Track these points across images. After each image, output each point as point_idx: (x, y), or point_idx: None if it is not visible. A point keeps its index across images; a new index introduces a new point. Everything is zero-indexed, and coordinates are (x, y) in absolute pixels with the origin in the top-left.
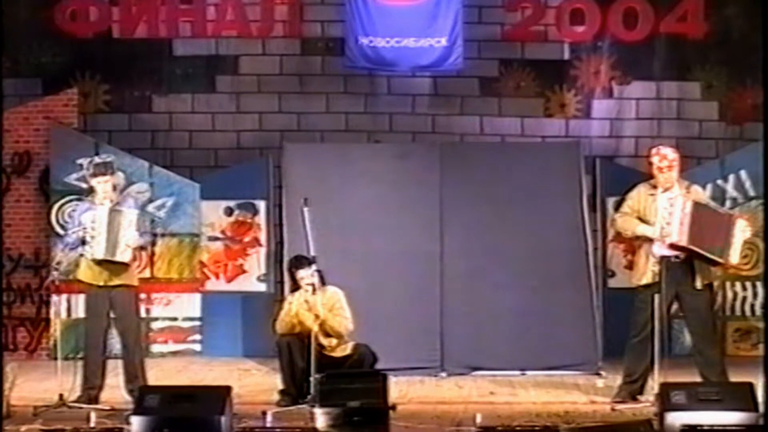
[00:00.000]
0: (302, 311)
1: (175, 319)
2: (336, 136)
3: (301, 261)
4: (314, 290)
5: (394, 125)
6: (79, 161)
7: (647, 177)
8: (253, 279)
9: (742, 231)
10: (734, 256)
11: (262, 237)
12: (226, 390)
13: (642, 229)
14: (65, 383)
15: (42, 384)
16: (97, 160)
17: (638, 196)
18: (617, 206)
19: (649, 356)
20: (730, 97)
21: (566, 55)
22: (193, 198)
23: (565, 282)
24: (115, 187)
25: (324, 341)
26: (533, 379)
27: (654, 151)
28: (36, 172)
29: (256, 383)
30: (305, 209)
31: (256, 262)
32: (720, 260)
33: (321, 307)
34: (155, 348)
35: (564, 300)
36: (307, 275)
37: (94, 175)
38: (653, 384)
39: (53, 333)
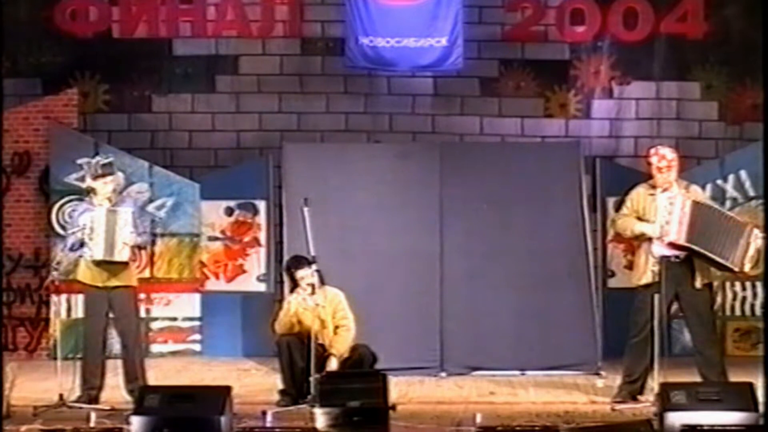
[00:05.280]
0: (301, 311)
1: (174, 319)
2: (336, 136)
3: (299, 261)
4: (313, 290)
5: (394, 125)
6: (79, 161)
7: (647, 177)
8: (253, 279)
9: (755, 240)
10: (747, 265)
11: (262, 237)
12: (226, 390)
13: (641, 227)
14: (65, 383)
15: (42, 384)
16: (97, 161)
17: (637, 196)
18: (617, 206)
19: (649, 356)
20: (730, 97)
21: (566, 55)
22: (193, 198)
23: (565, 282)
24: (115, 188)
25: (325, 340)
26: (533, 379)
27: (653, 151)
28: (36, 172)
29: (256, 383)
30: (305, 209)
31: (256, 262)
32: (734, 268)
33: (323, 312)
34: (155, 348)
35: (564, 300)
36: (306, 275)
37: (95, 176)
38: (653, 384)
39: (53, 333)
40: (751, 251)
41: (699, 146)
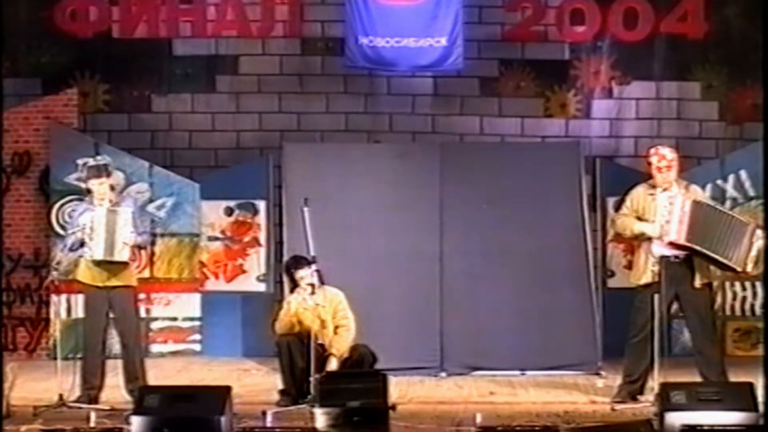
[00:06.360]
0: (301, 311)
1: (174, 319)
2: (336, 136)
3: (299, 261)
4: (313, 290)
5: (394, 125)
6: (79, 161)
7: (647, 177)
8: (252, 279)
9: (758, 239)
10: (750, 265)
11: (262, 237)
12: (226, 390)
13: (640, 227)
14: (65, 383)
15: (42, 384)
16: (91, 162)
17: (637, 196)
18: (617, 206)
19: (649, 356)
20: (730, 97)
21: (566, 55)
22: (193, 198)
23: (565, 282)
24: (113, 188)
25: (325, 340)
26: (533, 379)
27: (652, 151)
28: (36, 172)
29: (256, 383)
30: (305, 209)
31: (256, 262)
32: (737, 267)
33: (323, 312)
34: (155, 348)
35: (564, 300)
36: (306, 275)
37: (90, 177)
38: (653, 384)
39: (53, 333)
40: (754, 251)
41: (699, 146)
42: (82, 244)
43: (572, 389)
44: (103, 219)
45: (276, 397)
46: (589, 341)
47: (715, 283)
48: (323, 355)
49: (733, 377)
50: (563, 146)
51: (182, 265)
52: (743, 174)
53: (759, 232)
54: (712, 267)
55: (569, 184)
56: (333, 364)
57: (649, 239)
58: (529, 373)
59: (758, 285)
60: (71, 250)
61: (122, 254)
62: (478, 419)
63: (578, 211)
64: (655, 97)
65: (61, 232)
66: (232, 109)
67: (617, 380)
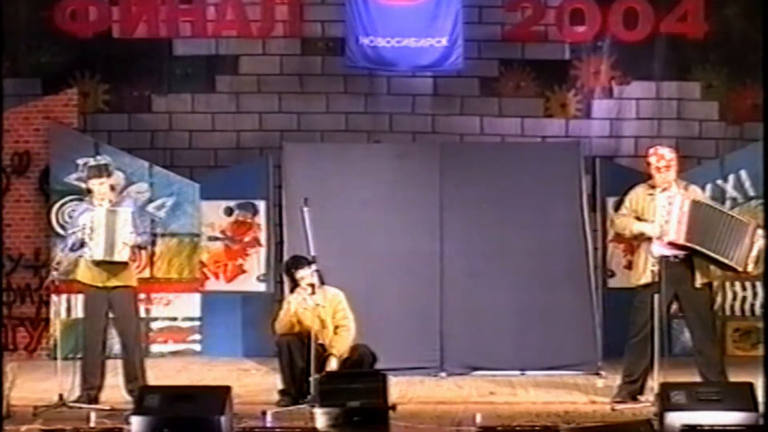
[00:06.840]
0: (301, 311)
1: (174, 319)
2: (336, 136)
3: (299, 261)
4: (313, 290)
5: (394, 125)
6: (79, 161)
7: (647, 177)
8: (253, 279)
9: (759, 239)
10: (750, 265)
11: (262, 237)
12: (226, 390)
13: (639, 227)
14: (65, 383)
15: (42, 384)
16: (91, 162)
17: (636, 196)
18: (617, 206)
19: (649, 356)
20: (730, 97)
21: (566, 55)
22: (193, 198)
23: (565, 282)
24: (113, 188)
25: (325, 340)
26: (533, 379)
27: (652, 151)
28: (36, 172)
29: (256, 383)
30: (305, 209)
31: (256, 262)
32: (737, 267)
33: (323, 312)
34: (155, 348)
35: (564, 300)
36: (306, 275)
37: (90, 177)
38: (653, 384)
39: (53, 333)
40: (755, 251)
41: (699, 146)
42: (82, 244)
43: (572, 389)
44: (103, 219)
45: (276, 397)
46: (589, 341)
47: (715, 283)
48: (323, 355)
49: (733, 377)
50: (563, 146)
51: (182, 265)
52: (743, 174)
53: (759, 232)
54: (712, 267)
55: (569, 184)
56: (333, 364)
57: (649, 239)
58: (529, 373)
59: (758, 285)
60: (71, 250)
61: (122, 254)
62: (478, 419)
63: (578, 211)
64: (655, 97)
65: (61, 232)
66: (232, 109)
67: (617, 380)
